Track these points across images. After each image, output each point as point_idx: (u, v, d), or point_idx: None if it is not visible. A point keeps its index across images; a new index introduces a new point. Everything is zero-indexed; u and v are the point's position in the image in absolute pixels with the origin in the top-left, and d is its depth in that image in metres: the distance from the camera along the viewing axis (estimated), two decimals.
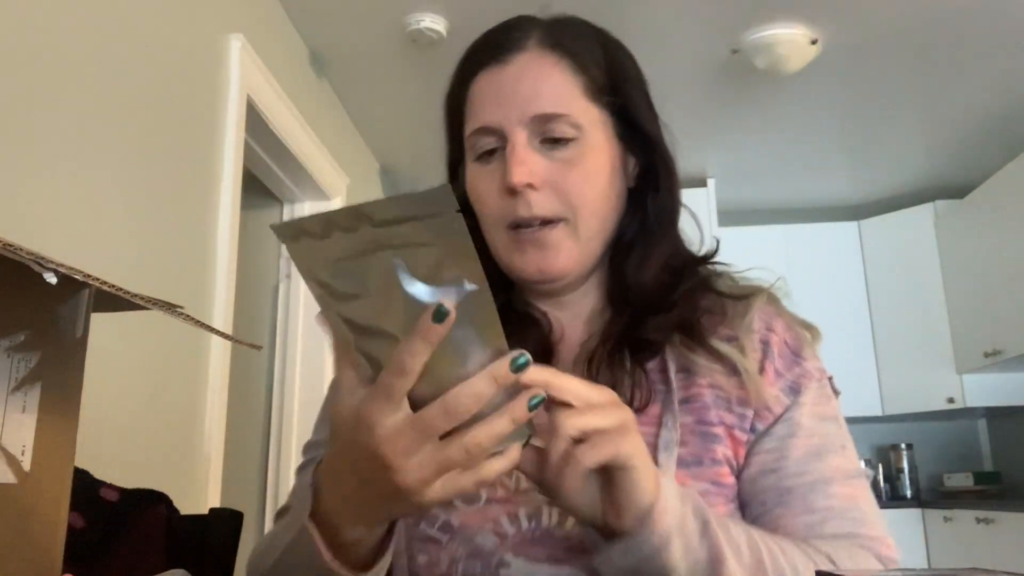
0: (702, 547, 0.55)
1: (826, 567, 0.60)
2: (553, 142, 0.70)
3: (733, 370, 0.70)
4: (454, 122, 0.78)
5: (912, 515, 3.91)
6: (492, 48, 0.74)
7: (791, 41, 2.72)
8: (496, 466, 0.49)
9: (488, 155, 0.72)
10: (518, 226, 0.71)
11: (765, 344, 0.73)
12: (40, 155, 1.36)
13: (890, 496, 4.15)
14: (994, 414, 4.27)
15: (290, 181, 2.78)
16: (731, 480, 0.69)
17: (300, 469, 0.80)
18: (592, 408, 0.51)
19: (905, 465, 4.16)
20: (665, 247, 0.76)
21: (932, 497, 4.09)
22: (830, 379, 0.75)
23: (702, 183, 3.97)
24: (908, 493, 4.12)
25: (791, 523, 0.66)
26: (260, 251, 2.91)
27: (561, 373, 0.52)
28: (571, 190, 0.70)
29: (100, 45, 1.54)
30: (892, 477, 4.20)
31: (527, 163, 0.69)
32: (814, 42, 2.76)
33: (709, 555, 0.55)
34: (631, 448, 0.52)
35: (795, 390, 0.71)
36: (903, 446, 4.20)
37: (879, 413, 4.23)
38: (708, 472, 0.68)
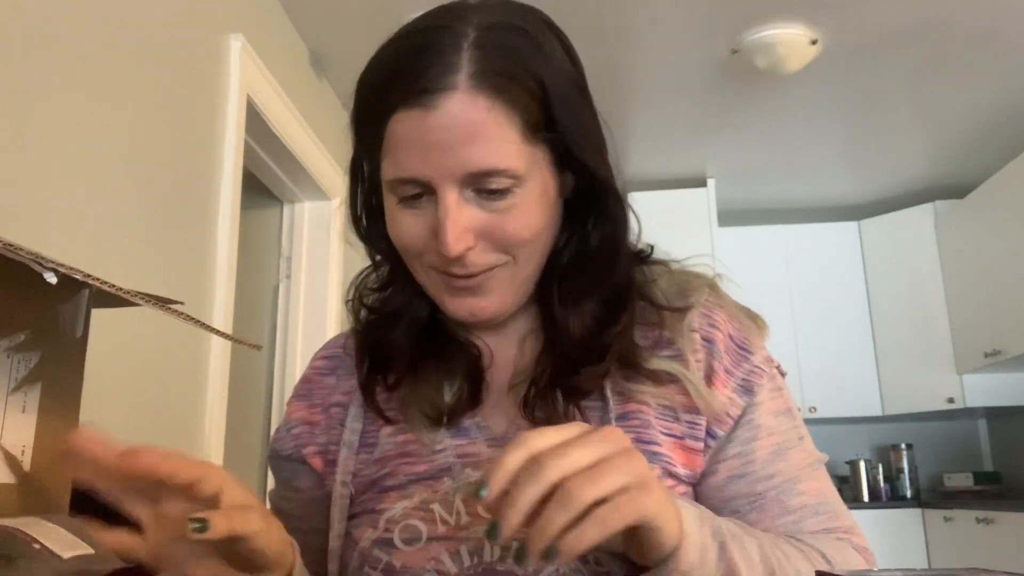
0: (719, 570, 0.56)
1: (823, 566, 0.62)
2: (489, 193, 0.63)
3: (675, 379, 0.68)
4: (365, 149, 0.70)
5: (912, 515, 3.91)
6: (413, 82, 0.62)
7: (791, 41, 2.72)
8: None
9: (414, 199, 0.65)
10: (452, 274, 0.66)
11: (709, 342, 0.70)
12: (40, 155, 1.36)
13: (890, 496, 4.14)
14: (994, 414, 4.27)
15: (290, 181, 2.78)
16: (682, 490, 0.68)
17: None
18: (604, 466, 0.49)
19: (905, 465, 4.16)
20: (600, 282, 0.70)
21: (932, 497, 4.08)
22: (777, 367, 0.73)
23: (702, 183, 3.97)
24: (908, 493, 4.11)
25: (770, 526, 0.68)
26: (260, 251, 2.91)
27: (554, 435, 0.50)
28: (510, 238, 0.65)
29: (100, 45, 1.54)
30: (892, 477, 4.19)
31: (461, 224, 0.62)
32: (814, 42, 2.76)
33: (725, 573, 0.56)
34: (656, 507, 0.50)
35: (748, 389, 0.69)
36: (903, 446, 4.20)
37: (879, 413, 4.23)
38: None
